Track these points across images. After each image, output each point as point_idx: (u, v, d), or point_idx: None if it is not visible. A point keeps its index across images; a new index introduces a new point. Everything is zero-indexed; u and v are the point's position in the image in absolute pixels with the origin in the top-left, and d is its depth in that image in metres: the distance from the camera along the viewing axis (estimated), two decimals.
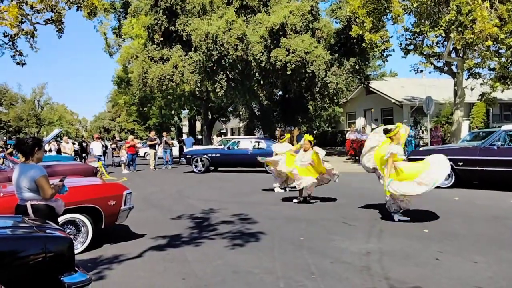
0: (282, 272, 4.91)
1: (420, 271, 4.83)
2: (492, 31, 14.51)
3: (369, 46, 17.52)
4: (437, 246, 5.74)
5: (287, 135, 11.42)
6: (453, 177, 10.83)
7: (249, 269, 5.03)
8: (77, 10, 17.49)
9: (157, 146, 22.06)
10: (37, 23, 17.68)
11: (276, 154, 10.92)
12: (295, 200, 9.61)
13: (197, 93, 26.35)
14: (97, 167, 15.93)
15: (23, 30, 17.35)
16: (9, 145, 16.24)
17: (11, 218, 4.20)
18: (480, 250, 5.49)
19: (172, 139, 27.15)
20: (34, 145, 4.56)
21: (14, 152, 14.63)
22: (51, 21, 17.59)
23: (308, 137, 9.56)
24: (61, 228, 4.40)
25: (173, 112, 42.19)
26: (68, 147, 19.55)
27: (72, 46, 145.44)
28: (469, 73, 20.18)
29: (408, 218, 7.24)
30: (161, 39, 22.44)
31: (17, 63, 18.26)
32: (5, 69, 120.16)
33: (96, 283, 4.60)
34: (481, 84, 20.18)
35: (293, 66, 19.36)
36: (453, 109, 20.46)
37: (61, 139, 22.33)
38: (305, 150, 9.38)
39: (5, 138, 27.25)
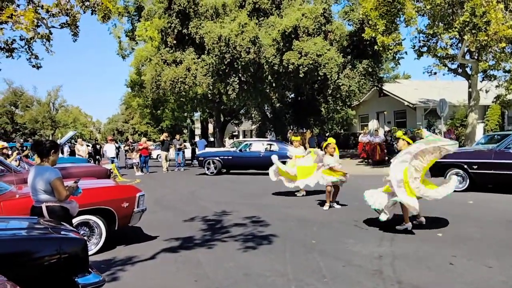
0: (293, 275, 4.91)
1: (433, 275, 4.79)
2: (506, 33, 14.33)
3: (381, 48, 17.42)
4: (451, 250, 5.69)
5: (296, 138, 11.29)
6: (468, 180, 10.71)
7: (260, 272, 5.04)
8: (92, 14, 17.66)
9: (170, 148, 22.20)
10: (53, 26, 17.89)
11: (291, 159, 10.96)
12: (336, 206, 9.28)
13: (210, 95, 26.45)
14: (111, 169, 16.08)
15: (39, 33, 17.58)
16: (25, 147, 16.44)
17: (27, 220, 4.28)
18: (494, 255, 5.43)
19: (185, 141, 27.21)
20: (51, 147, 4.69)
21: (29, 154, 14.82)
22: (66, 25, 17.79)
23: (332, 140, 9.42)
24: (75, 229, 4.46)
25: (185, 114, 42.37)
26: (83, 149, 19.76)
27: (87, 49, 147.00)
28: (483, 75, 19.95)
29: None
30: (174, 42, 22.60)
31: (33, 66, 18.51)
32: (21, 72, 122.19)
33: (109, 284, 4.64)
34: (496, 86, 19.94)
35: (306, 69, 19.34)
36: (467, 112, 20.23)
37: (76, 141, 22.55)
38: (331, 155, 9.26)
39: (21, 140, 27.63)
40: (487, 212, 8.24)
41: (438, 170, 11.20)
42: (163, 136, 22.04)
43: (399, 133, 7.47)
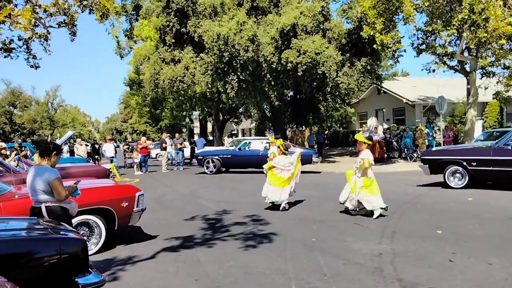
0: (294, 273, 4.91)
1: (434, 272, 4.79)
2: (505, 29, 14.32)
3: (380, 47, 17.39)
4: (451, 247, 5.69)
5: (273, 140, 11.12)
6: (467, 177, 10.71)
7: (261, 270, 5.04)
8: (90, 13, 17.60)
9: (169, 147, 22.22)
10: (51, 26, 17.79)
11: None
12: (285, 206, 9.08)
13: (208, 94, 26.42)
14: (110, 168, 16.07)
15: (36, 33, 17.50)
16: (23, 147, 16.42)
17: (26, 220, 4.27)
18: (494, 251, 5.43)
19: (184, 140, 27.23)
20: (54, 148, 4.73)
21: (28, 154, 14.81)
22: (64, 24, 17.72)
23: (279, 141, 9.43)
24: (75, 229, 4.45)
25: (184, 113, 42.34)
26: (82, 149, 19.74)
27: (85, 49, 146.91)
28: (482, 72, 19.94)
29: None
30: (173, 40, 22.54)
31: (31, 66, 18.44)
32: (19, 72, 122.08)
33: (110, 284, 4.64)
34: (497, 82, 19.93)
35: (304, 67, 19.29)
36: (466, 109, 20.23)
37: (75, 141, 22.53)
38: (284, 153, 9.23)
39: (20, 140, 27.60)
40: (486, 209, 8.24)
41: (437, 168, 11.24)
42: (164, 137, 22.15)
43: (360, 137, 7.98)
